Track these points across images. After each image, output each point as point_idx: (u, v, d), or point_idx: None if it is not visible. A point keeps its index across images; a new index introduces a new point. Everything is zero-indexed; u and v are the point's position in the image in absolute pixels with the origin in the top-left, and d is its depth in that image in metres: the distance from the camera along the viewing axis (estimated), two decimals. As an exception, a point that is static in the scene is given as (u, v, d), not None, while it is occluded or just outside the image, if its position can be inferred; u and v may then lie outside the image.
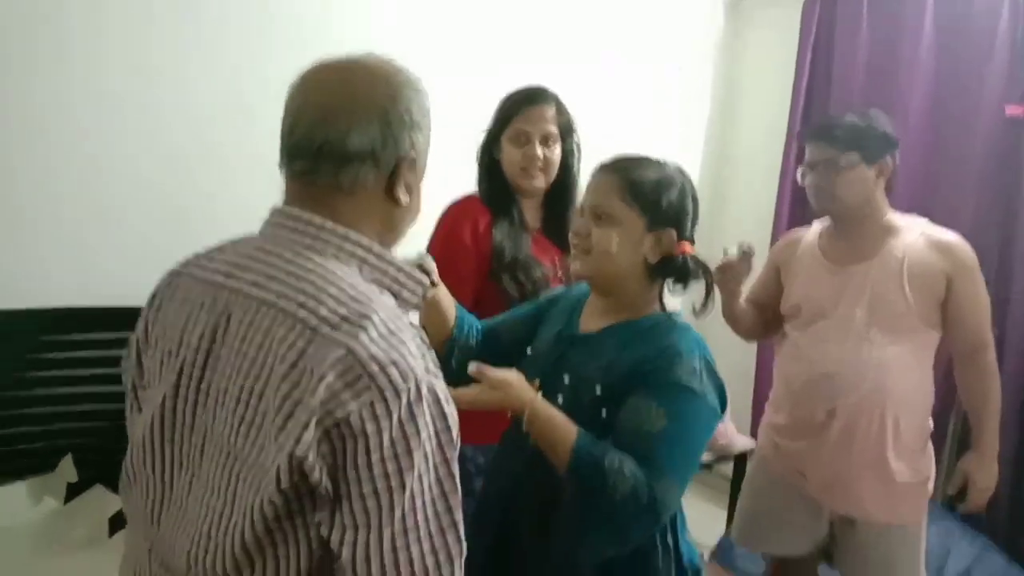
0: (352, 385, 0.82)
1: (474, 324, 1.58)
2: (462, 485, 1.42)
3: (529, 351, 1.49)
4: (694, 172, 3.66)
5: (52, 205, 2.17)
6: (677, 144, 3.58)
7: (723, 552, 2.61)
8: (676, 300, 1.43)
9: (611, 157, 1.43)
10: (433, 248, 1.96)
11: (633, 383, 1.27)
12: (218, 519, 0.89)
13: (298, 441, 0.82)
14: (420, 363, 0.87)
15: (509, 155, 1.97)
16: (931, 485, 2.02)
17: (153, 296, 1.05)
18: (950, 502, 2.04)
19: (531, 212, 2.05)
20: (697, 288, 1.40)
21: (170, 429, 0.97)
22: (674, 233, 1.35)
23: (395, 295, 0.96)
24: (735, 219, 3.67)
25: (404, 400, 0.83)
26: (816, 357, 1.99)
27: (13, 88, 2.04)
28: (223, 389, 0.91)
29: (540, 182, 1.98)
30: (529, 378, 1.38)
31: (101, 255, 2.21)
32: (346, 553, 0.84)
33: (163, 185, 2.26)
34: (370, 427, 0.82)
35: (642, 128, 3.37)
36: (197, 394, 0.94)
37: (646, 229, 1.34)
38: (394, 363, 0.83)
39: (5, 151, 2.09)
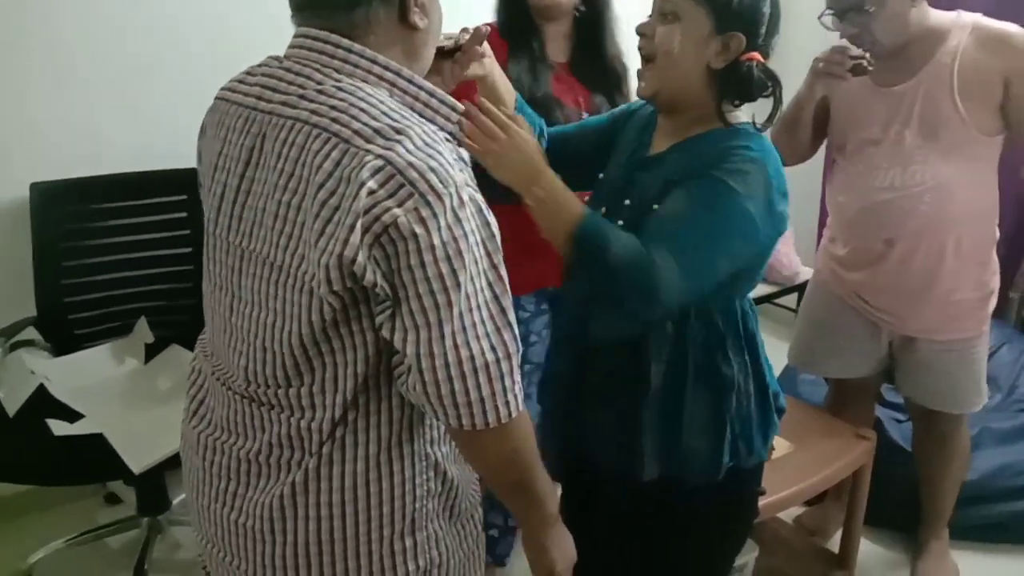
0: (394, 193, 0.83)
1: (538, 123, 1.44)
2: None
3: (601, 176, 1.40)
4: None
5: (107, 68, 2.18)
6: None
7: (787, 380, 2.61)
8: (745, 116, 1.27)
9: None
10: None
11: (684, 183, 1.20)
12: (271, 331, 0.94)
13: (346, 243, 0.84)
14: (459, 174, 0.88)
15: None
16: (994, 298, 1.94)
17: (202, 127, 1.08)
18: None
19: (555, 44, 1.83)
20: (762, 106, 1.25)
21: (212, 255, 1.02)
22: (743, 39, 1.19)
23: (428, 119, 0.94)
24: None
25: (448, 204, 0.85)
26: (867, 186, 1.86)
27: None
28: (261, 208, 0.93)
29: None
30: (596, 205, 1.33)
31: (159, 118, 2.22)
32: (410, 351, 0.87)
33: (212, 43, 2.23)
34: (419, 229, 0.83)
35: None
36: (231, 219, 0.97)
37: (713, 30, 1.19)
38: (433, 170, 0.85)
39: (52, 15, 2.07)
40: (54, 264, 2.16)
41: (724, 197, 1.16)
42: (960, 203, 1.80)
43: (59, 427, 1.87)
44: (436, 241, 0.84)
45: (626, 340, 1.29)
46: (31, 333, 2.14)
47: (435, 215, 0.84)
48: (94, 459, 1.84)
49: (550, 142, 1.44)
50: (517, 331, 0.92)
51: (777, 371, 2.53)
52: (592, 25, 1.84)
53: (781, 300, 3.34)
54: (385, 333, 0.89)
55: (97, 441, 1.83)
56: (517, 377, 0.92)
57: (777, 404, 1.38)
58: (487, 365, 0.89)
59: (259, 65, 1.01)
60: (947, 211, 1.80)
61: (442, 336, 0.86)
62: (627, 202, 1.29)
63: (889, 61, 1.79)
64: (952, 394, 1.98)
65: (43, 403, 1.96)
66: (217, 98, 1.04)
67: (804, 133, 1.96)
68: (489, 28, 1.24)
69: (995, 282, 1.94)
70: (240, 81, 1.01)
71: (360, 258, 0.84)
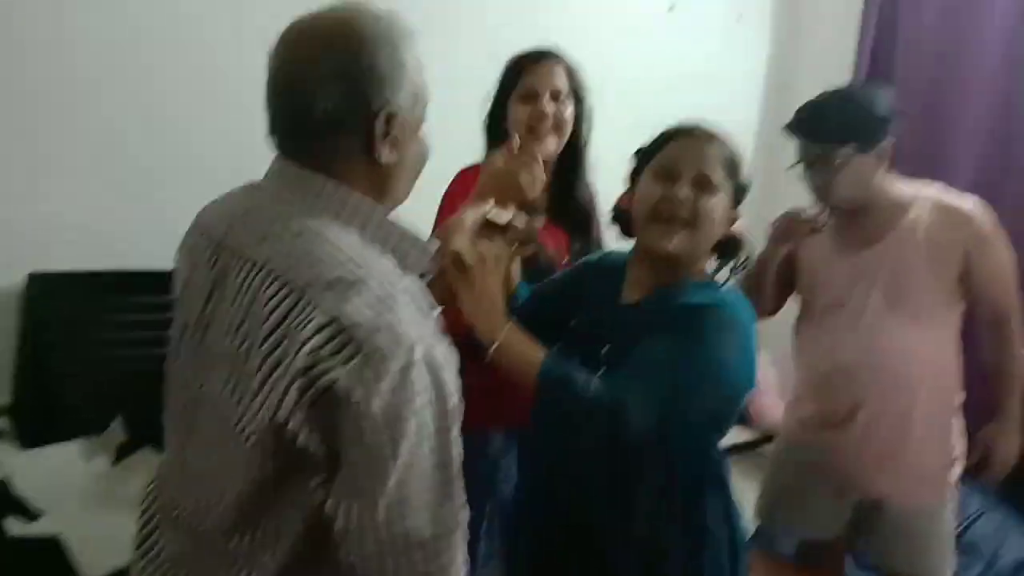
0: (338, 352, 0.79)
1: (523, 286, 1.54)
2: (480, 477, 1.34)
3: (572, 323, 1.44)
4: (750, 133, 3.59)
5: (107, 168, 2.23)
6: (732, 100, 3.46)
7: (763, 534, 2.57)
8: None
9: (692, 122, 1.37)
10: (439, 218, 1.82)
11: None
12: (218, 479, 0.90)
13: (279, 405, 0.80)
14: (415, 329, 0.83)
15: (516, 114, 1.77)
16: (960, 463, 1.95)
17: (180, 246, 1.06)
18: (973, 473, 1.97)
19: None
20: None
21: (170, 387, 1.00)
22: (739, 212, 1.36)
23: (398, 259, 0.93)
24: (792, 180, 3.53)
25: (394, 366, 0.80)
26: (832, 348, 1.91)
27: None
28: (216, 349, 0.90)
29: (551, 144, 1.77)
30: (570, 353, 1.35)
31: (151, 216, 2.24)
32: (340, 522, 0.83)
33: (214, 146, 2.29)
34: (359, 394, 0.79)
35: (699, 86, 3.26)
36: (191, 353, 0.95)
37: (731, 205, 1.34)
38: (383, 328, 0.80)
39: (60, 115, 2.13)
40: (36, 354, 2.14)
41: (702, 351, 1.20)
42: (923, 368, 1.84)
43: (15, 526, 1.81)
44: (376, 407, 0.79)
45: (610, 490, 1.30)
46: (1, 423, 2.10)
47: (378, 378, 0.79)
48: (48, 563, 1.76)
49: (528, 298, 1.51)
50: (463, 501, 0.87)
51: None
52: (568, 173, 1.89)
53: (766, 448, 3.31)
54: (319, 499, 0.84)
55: (53, 544, 1.76)
56: (456, 554, 0.87)
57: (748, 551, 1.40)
58: (423, 543, 0.83)
59: (234, 193, 1.00)
60: (911, 376, 1.84)
61: (375, 510, 0.81)
62: (604, 351, 1.32)
63: (854, 227, 1.87)
64: (919, 560, 1.96)
65: (3, 500, 1.90)
66: (193, 223, 1.02)
67: (768, 290, 2.03)
68: (544, 219, 1.40)
69: (960, 446, 1.95)
70: (215, 208, 1.00)
71: (294, 422, 0.80)
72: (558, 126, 1.78)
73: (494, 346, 1.23)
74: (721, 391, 1.24)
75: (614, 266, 1.43)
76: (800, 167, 1.87)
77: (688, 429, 1.25)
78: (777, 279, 2.05)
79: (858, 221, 1.89)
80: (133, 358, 2.24)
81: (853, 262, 1.89)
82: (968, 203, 1.83)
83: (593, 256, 1.54)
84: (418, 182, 1.89)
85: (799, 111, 1.86)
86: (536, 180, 1.46)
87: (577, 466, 1.33)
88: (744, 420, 3.09)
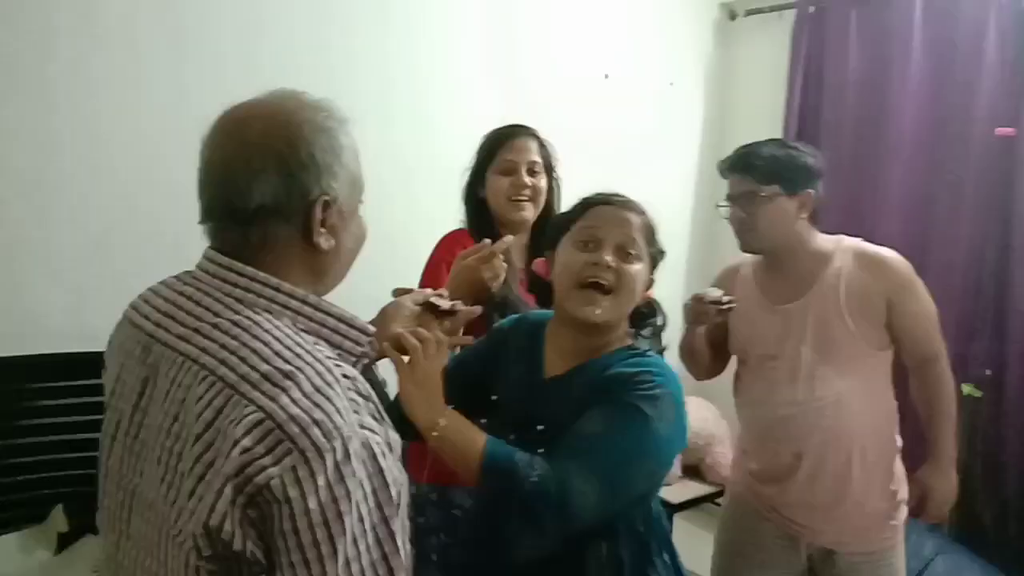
0: (272, 450, 0.78)
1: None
2: (449, 530, 1.33)
3: (495, 398, 1.44)
4: (688, 195, 3.70)
5: (41, 248, 2.20)
6: (670, 163, 3.58)
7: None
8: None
9: (611, 192, 1.41)
10: (422, 280, 1.95)
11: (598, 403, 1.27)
12: None
13: (211, 510, 0.78)
14: (352, 418, 0.82)
15: (496, 185, 1.96)
16: (905, 507, 1.99)
17: (110, 340, 1.04)
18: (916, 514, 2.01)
19: (517, 251, 2.01)
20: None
21: (103, 485, 0.97)
22: (652, 280, 1.40)
23: (334, 345, 0.92)
24: (732, 240, 3.63)
25: (330, 461, 0.78)
26: (771, 401, 1.96)
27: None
28: (151, 447, 0.89)
29: (528, 212, 1.97)
30: (501, 429, 1.36)
31: (90, 298, 2.22)
32: None
33: (155, 222, 2.28)
34: (293, 492, 0.77)
35: (635, 149, 3.37)
36: (124, 451, 0.93)
37: (648, 274, 1.38)
38: (317, 423, 0.79)
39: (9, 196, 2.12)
40: (-29, 445, 2.09)
41: (639, 423, 1.22)
42: (859, 415, 1.89)
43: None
44: (312, 504, 0.77)
45: (562, 563, 1.29)
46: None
47: (313, 475, 0.77)
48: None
49: (452, 376, 1.48)
50: None
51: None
52: (542, 241, 1.97)
53: (721, 500, 3.33)
54: None
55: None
56: None
57: None
58: None
59: (165, 284, 0.99)
60: (848, 424, 1.88)
61: None
62: (540, 427, 1.32)
63: (779, 281, 1.96)
64: None
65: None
66: (124, 315, 1.01)
67: (702, 357, 2.13)
68: (480, 309, 1.43)
69: (904, 491, 1.99)
70: (146, 300, 0.98)
71: (228, 525, 0.78)
72: (534, 197, 1.96)
73: (434, 433, 1.21)
74: (659, 462, 1.29)
75: (532, 333, 1.44)
76: (727, 206, 1.97)
77: (630, 502, 1.29)
78: (711, 344, 2.13)
79: (782, 275, 1.97)
80: (71, 443, 2.18)
81: (780, 317, 1.95)
82: (887, 252, 1.92)
83: (507, 321, 1.55)
84: (401, 246, 1.96)
85: (733, 152, 1.98)
86: (497, 274, 1.55)
87: (516, 538, 1.30)
88: (699, 474, 3.10)
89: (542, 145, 2.00)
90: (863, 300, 1.86)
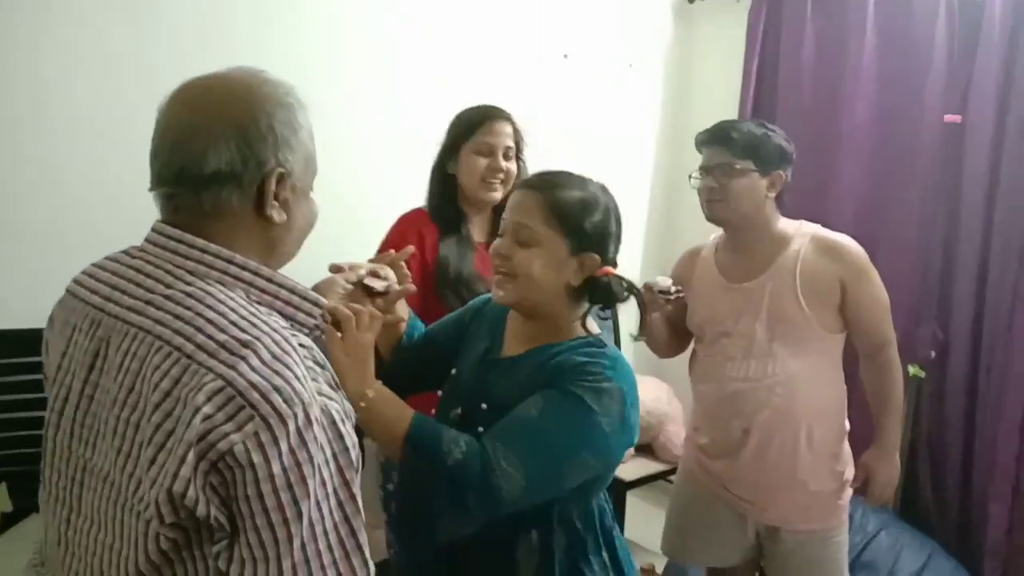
0: (233, 416, 0.79)
1: (419, 327, 1.55)
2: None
3: (453, 371, 1.44)
4: (646, 176, 3.72)
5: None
6: (629, 144, 3.59)
7: (676, 566, 2.61)
8: (596, 326, 1.38)
9: (535, 173, 1.40)
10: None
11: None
12: (109, 553, 0.87)
13: (175, 476, 0.79)
14: (310, 386, 0.84)
15: (472, 165, 2.00)
16: (850, 488, 2.04)
17: (50, 317, 1.02)
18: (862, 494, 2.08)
19: (477, 228, 2.08)
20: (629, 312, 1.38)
21: (50, 461, 0.96)
22: (598, 258, 1.31)
23: (287, 317, 0.93)
24: (689, 220, 3.65)
25: (292, 427, 0.80)
26: (723, 376, 2.00)
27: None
28: (103, 419, 0.88)
29: (498, 194, 2.02)
30: (451, 402, 1.36)
31: (30, 275, 2.17)
32: None
33: (90, 201, 2.24)
34: (257, 457, 0.78)
35: (593, 131, 3.37)
36: (74, 425, 0.92)
37: (569, 253, 1.30)
38: (277, 389, 0.80)
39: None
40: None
41: (580, 413, 1.20)
42: (809, 396, 1.94)
43: None
44: (276, 469, 0.79)
45: (492, 546, 1.28)
46: None
47: (276, 440, 0.79)
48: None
49: (423, 339, 1.52)
50: (368, 554, 0.88)
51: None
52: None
53: (674, 477, 3.38)
54: (222, 565, 0.82)
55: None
56: None
57: None
58: None
59: (112, 258, 0.97)
60: (797, 403, 1.93)
61: (280, 571, 0.80)
62: (484, 406, 1.31)
63: (739, 261, 2.00)
64: None
65: None
66: (68, 290, 0.99)
67: (661, 337, 2.17)
68: (415, 288, 1.42)
69: (850, 472, 2.04)
70: (91, 275, 0.97)
71: (191, 491, 0.79)
72: (506, 180, 2.03)
73: (362, 404, 1.20)
74: (596, 456, 1.24)
75: (501, 312, 1.44)
76: (700, 176, 2.00)
77: (573, 494, 1.26)
78: (671, 324, 2.18)
79: (742, 254, 2.01)
80: (13, 421, 2.14)
81: (737, 294, 1.99)
82: (844, 238, 1.97)
83: (482, 299, 1.55)
84: (359, 227, 1.96)
85: (712, 125, 2.02)
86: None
87: (440, 517, 1.28)
88: (652, 452, 3.14)
89: (516, 130, 2.06)
90: (818, 283, 1.91)
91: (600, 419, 1.20)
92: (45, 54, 2.16)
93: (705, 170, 1.99)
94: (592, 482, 1.28)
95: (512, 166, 2.03)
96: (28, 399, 2.14)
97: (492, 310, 1.47)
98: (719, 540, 2.11)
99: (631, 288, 1.34)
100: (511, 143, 2.04)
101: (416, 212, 2.06)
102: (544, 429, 1.19)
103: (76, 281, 0.99)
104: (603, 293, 1.31)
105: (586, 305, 1.34)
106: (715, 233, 2.14)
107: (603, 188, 1.37)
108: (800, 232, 1.97)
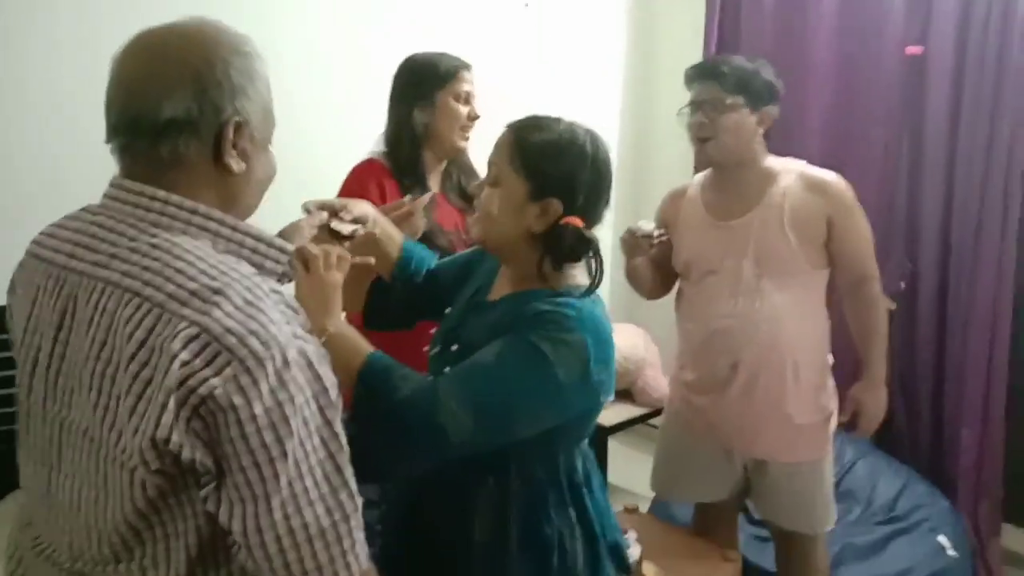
0: (211, 362, 0.80)
1: (425, 259, 1.53)
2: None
3: (447, 310, 1.43)
4: (614, 119, 3.69)
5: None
6: (594, 91, 3.56)
7: (660, 504, 2.65)
8: (584, 274, 1.30)
9: (525, 116, 1.33)
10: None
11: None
12: (94, 507, 0.88)
13: (158, 423, 0.80)
14: (285, 328, 0.84)
15: (453, 111, 1.99)
16: (834, 420, 2.08)
17: (11, 283, 1.02)
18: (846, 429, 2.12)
19: (433, 177, 2.06)
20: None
21: (26, 423, 0.96)
22: (560, 205, 1.23)
23: (255, 265, 0.92)
24: (660, 160, 3.66)
25: (271, 368, 0.81)
26: (710, 313, 2.02)
27: None
28: (77, 376, 0.88)
29: (466, 142, 2.04)
30: (434, 341, 1.36)
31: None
32: (236, 527, 0.83)
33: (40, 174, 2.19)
34: (239, 400, 0.80)
35: (558, 77, 3.34)
36: (47, 385, 0.92)
37: (529, 196, 1.24)
38: (253, 333, 0.81)
39: None
40: None
41: (533, 361, 1.16)
42: (795, 330, 1.95)
43: None
44: (258, 410, 0.80)
45: (451, 490, 1.28)
46: None
47: (255, 382, 0.80)
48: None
49: (426, 275, 1.51)
50: (355, 487, 0.89)
51: (650, 491, 2.59)
52: (466, 164, 2.11)
53: (656, 421, 3.42)
54: (210, 507, 0.84)
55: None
56: (358, 535, 0.89)
57: (616, 557, 1.36)
58: (323, 531, 0.85)
59: (71, 217, 0.97)
60: (784, 338, 1.95)
61: (269, 509, 0.82)
62: (455, 347, 1.31)
63: (726, 198, 2.00)
64: (803, 514, 2.08)
65: None
66: (27, 253, 0.98)
67: (646, 279, 2.19)
68: (372, 260, 1.40)
69: (834, 404, 2.07)
70: (50, 235, 0.96)
71: (175, 436, 0.80)
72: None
73: (322, 339, 1.16)
74: (547, 407, 1.20)
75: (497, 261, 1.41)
76: (688, 112, 1.98)
77: (535, 445, 1.23)
78: (657, 265, 2.18)
79: (729, 192, 2.01)
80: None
81: (724, 232, 2.00)
82: (831, 175, 1.98)
83: None
84: (322, 176, 1.93)
85: (702, 60, 1.99)
86: (416, 230, 1.68)
87: (383, 455, 1.24)
88: (630, 397, 3.17)
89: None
90: (805, 219, 1.92)
91: (556, 371, 1.16)
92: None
93: (695, 105, 1.97)
94: (554, 433, 1.24)
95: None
96: (4, 376, 2.11)
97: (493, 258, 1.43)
98: (707, 477, 2.14)
99: (591, 247, 1.26)
100: (473, 91, 2.04)
101: (370, 163, 2.01)
102: (498, 375, 1.17)
103: (36, 242, 0.98)
104: (560, 244, 1.23)
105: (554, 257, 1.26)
106: (700, 174, 2.13)
107: (587, 135, 1.28)
108: (787, 169, 1.98)
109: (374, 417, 1.18)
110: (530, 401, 1.18)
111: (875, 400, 2.03)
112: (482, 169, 1.44)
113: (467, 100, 2.01)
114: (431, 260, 1.54)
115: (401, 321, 1.55)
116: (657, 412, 3.31)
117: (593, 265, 1.26)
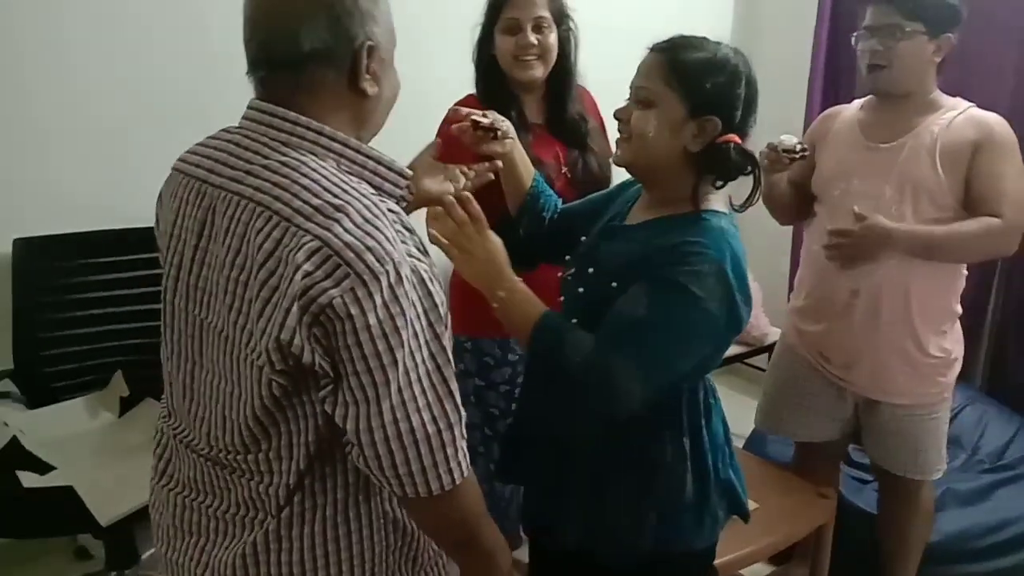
0: (331, 274, 0.85)
1: (553, 199, 1.56)
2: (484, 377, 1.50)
3: (584, 239, 1.43)
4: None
5: (84, 129, 2.25)
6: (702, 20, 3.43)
7: (755, 441, 2.65)
8: (721, 200, 1.31)
9: (667, 38, 1.31)
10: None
11: (642, 277, 1.21)
12: (229, 399, 0.97)
13: (282, 326, 0.87)
14: (400, 247, 0.90)
15: (502, 45, 1.92)
16: (958, 365, 1.99)
17: (159, 195, 1.10)
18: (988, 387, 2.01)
19: (531, 108, 2.01)
20: (744, 182, 1.29)
21: (170, 322, 1.05)
22: (718, 122, 1.23)
23: (375, 187, 0.97)
24: (766, 101, 3.51)
25: (384, 282, 0.86)
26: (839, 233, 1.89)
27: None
28: (215, 281, 0.96)
29: (538, 71, 1.93)
30: (569, 264, 1.39)
31: (132, 180, 2.25)
32: (350, 427, 0.90)
33: (180, 105, 2.30)
34: (354, 310, 0.85)
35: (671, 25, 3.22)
36: (188, 288, 1.00)
37: (687, 115, 1.23)
38: (370, 249, 0.86)
39: (29, 80, 2.15)
40: (32, 317, 2.19)
41: (685, 302, 1.17)
42: (924, 265, 1.86)
43: (29, 479, 1.87)
44: (372, 320, 0.86)
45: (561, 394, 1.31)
46: (7, 385, 2.15)
47: (371, 295, 0.86)
48: (63, 512, 1.84)
49: (558, 214, 1.54)
50: (459, 400, 0.95)
51: (746, 429, 2.59)
52: (558, 94, 2.02)
53: (752, 360, 3.40)
54: (328, 408, 0.91)
55: (67, 494, 1.84)
56: (461, 444, 0.95)
57: (729, 496, 1.37)
58: (428, 436, 0.91)
59: (212, 137, 1.03)
60: (911, 270, 1.86)
61: (380, 412, 0.89)
62: (591, 270, 1.33)
63: (881, 122, 1.91)
64: (914, 459, 2.01)
65: (16, 455, 1.95)
66: (173, 168, 1.06)
67: (785, 200, 2.09)
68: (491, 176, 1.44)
69: (958, 350, 1.98)
70: (194, 152, 1.04)
71: (297, 340, 0.87)
72: (542, 54, 1.92)
73: (494, 304, 1.25)
74: (709, 343, 1.23)
75: (637, 191, 1.41)
76: (862, 36, 1.88)
77: (674, 385, 1.27)
78: (796, 186, 2.08)
79: (888, 116, 1.90)
80: (125, 315, 2.28)
81: (873, 154, 1.90)
82: (995, 116, 1.85)
83: (627, 180, 1.51)
84: (408, 115, 1.98)
85: None
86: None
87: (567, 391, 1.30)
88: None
89: None
90: (954, 149, 1.81)
91: (707, 304, 1.17)
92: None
93: (870, 30, 1.85)
94: (699, 371, 1.29)
95: (548, 38, 1.91)
96: (140, 293, 2.28)
97: (631, 187, 1.45)
98: (816, 414, 2.09)
99: (750, 159, 1.25)
100: (543, 12, 1.90)
101: (468, 98, 1.97)
102: (654, 324, 1.18)
103: (181, 159, 1.06)
104: (721, 162, 1.24)
105: (709, 177, 1.27)
106: (859, 100, 2.03)
107: (737, 53, 1.28)
108: (953, 106, 1.87)
109: (553, 374, 1.26)
110: (689, 341, 1.21)
111: (878, 232, 1.82)
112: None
113: (518, 28, 1.89)
114: (558, 201, 1.56)
115: (524, 260, 1.51)
116: (755, 351, 3.30)
117: (756, 177, 1.27)
